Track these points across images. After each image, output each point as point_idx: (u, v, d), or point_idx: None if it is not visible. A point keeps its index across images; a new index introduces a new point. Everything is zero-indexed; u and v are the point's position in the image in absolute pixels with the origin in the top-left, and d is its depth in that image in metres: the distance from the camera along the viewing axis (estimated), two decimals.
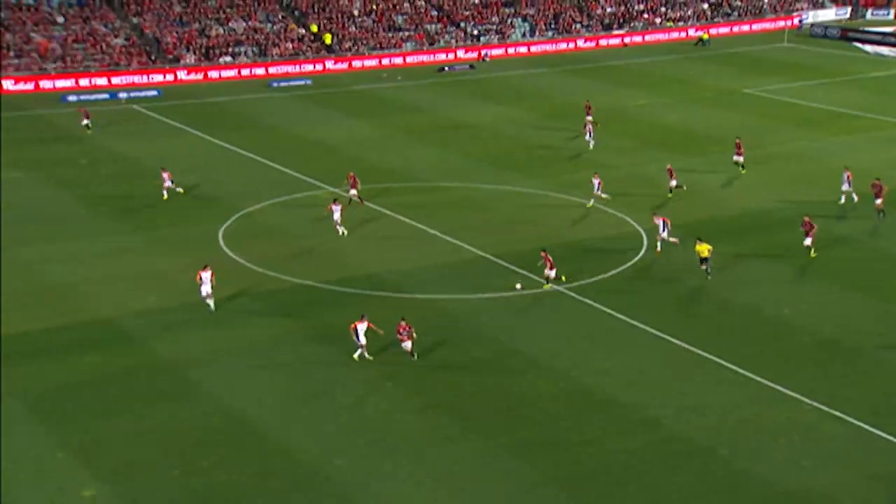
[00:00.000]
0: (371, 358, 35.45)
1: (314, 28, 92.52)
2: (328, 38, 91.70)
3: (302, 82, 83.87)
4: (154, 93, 78.28)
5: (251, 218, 50.59)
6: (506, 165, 60.53)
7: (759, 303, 41.14)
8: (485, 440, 30.91)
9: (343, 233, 47.49)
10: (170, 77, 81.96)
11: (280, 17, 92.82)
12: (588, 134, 63.82)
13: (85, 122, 66.48)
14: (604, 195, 52.24)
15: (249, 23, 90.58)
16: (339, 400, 33.12)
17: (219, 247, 46.50)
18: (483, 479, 29.08)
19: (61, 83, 78.06)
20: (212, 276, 39.21)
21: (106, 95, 77.03)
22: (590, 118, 65.62)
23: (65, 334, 37.47)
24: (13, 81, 77.09)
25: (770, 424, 32.02)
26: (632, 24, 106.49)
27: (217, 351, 36.41)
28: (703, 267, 42.62)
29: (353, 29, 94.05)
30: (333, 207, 47.32)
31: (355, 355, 35.50)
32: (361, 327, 35.26)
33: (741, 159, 58.11)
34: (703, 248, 42.43)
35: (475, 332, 38.31)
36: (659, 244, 45.61)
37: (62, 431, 30.96)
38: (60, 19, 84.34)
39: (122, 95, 76.82)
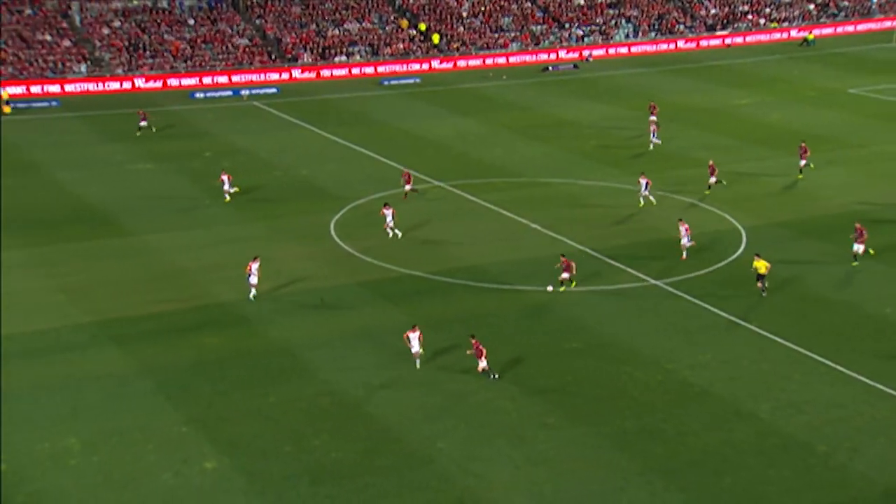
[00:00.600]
0: (418, 367, 35.31)
1: (422, 27, 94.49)
2: (436, 38, 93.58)
3: (411, 80, 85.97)
4: (273, 90, 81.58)
5: (361, 209, 52.30)
6: (606, 162, 61.15)
7: (860, 301, 41.10)
8: (582, 428, 31.72)
9: (398, 234, 47.55)
10: (285, 76, 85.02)
11: (392, 18, 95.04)
12: (652, 134, 63.94)
13: (143, 123, 66.64)
14: (651, 197, 52.27)
15: (363, 24, 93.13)
16: (441, 386, 34.28)
17: (330, 236, 48.33)
18: (580, 465, 29.84)
19: (187, 81, 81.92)
20: (259, 268, 40.59)
21: (230, 93, 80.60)
22: (654, 118, 65.75)
23: (189, 316, 39.59)
24: (144, 79, 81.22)
25: (869, 422, 32.08)
26: (735, 25, 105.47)
27: (327, 335, 38.02)
28: (759, 284, 41.07)
29: (462, 29, 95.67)
30: (385, 211, 47.61)
31: (417, 365, 35.63)
32: (413, 336, 35.44)
33: (804, 162, 57.25)
34: (761, 265, 40.91)
35: (573, 324, 39.18)
36: (685, 252, 45.25)
37: (187, 407, 32.84)
38: (191, 21, 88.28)
39: (244, 93, 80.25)
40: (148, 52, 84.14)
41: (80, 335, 37.83)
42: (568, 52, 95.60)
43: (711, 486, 28.91)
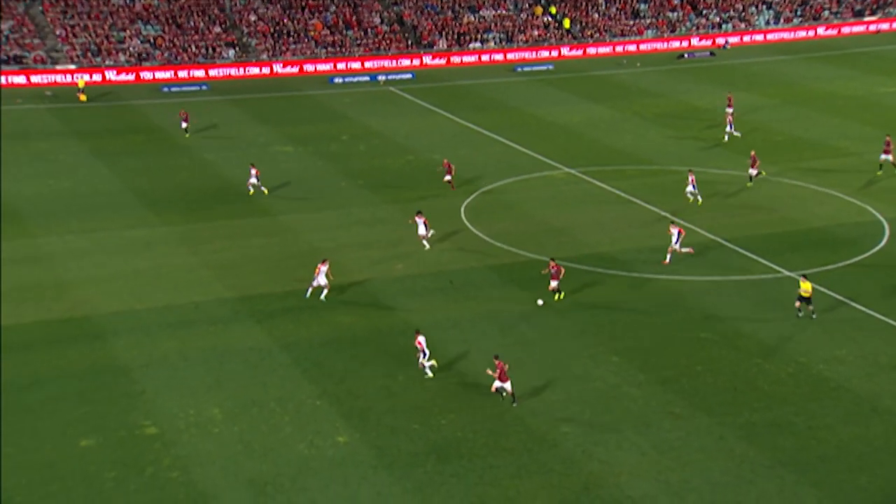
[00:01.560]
0: (432, 375, 34.11)
1: (553, 10, 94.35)
2: (567, 23, 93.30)
3: (544, 67, 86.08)
4: (408, 76, 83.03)
5: (491, 194, 52.79)
6: (740, 151, 59.88)
7: None
8: (710, 418, 31.47)
9: (426, 246, 45.11)
10: (417, 62, 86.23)
11: (527, 4, 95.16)
12: (728, 125, 62.04)
13: (184, 124, 64.21)
14: (690, 197, 50.08)
15: (498, 10, 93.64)
16: (569, 370, 34.52)
17: (461, 220, 48.98)
18: (708, 455, 29.64)
19: (322, 67, 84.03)
20: (328, 271, 40.11)
21: (367, 78, 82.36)
22: (730, 110, 63.78)
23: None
24: (282, 65, 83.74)
25: None
26: (886, 11, 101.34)
27: (456, 318, 38.62)
28: (798, 305, 38.03)
29: (596, 16, 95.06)
30: (417, 220, 45.33)
31: (428, 373, 34.33)
32: (422, 339, 34.21)
33: (888, 157, 54.27)
34: (807, 287, 37.83)
35: (703, 313, 38.82)
36: (669, 256, 43.03)
37: (321, 381, 33.97)
38: (332, 8, 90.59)
39: (381, 78, 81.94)
40: (291, 38, 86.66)
41: (224, 309, 39.50)
42: (701, 39, 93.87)
43: (846, 483, 28.33)
